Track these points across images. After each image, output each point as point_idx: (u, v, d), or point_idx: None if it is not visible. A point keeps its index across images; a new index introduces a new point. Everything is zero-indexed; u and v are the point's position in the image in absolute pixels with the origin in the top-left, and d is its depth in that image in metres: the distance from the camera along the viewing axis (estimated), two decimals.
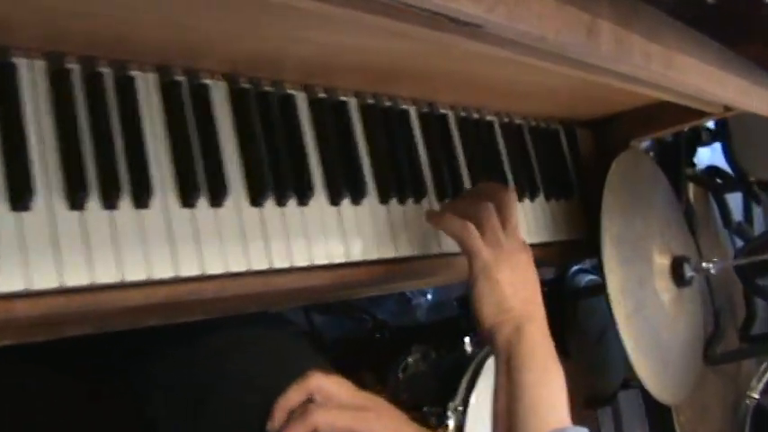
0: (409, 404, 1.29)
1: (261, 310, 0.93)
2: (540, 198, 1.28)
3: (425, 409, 1.24)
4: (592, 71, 0.89)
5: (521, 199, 1.24)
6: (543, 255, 1.28)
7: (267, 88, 0.92)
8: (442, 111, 1.15)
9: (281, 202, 0.89)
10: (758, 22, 1.01)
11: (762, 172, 1.60)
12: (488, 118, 1.23)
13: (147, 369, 0.94)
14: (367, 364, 1.47)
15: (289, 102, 0.94)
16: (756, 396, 1.62)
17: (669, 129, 1.41)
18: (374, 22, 0.65)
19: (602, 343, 1.68)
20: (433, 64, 0.98)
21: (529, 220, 1.25)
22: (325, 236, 0.93)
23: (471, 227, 0.96)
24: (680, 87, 0.97)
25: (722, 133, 1.60)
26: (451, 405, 1.22)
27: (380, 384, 1.38)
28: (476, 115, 1.20)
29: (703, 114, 1.33)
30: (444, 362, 1.35)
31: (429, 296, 1.80)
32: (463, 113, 1.18)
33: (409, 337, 1.54)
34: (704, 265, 1.35)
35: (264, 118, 0.91)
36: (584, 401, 1.61)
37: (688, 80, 0.97)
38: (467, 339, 1.34)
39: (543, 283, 1.84)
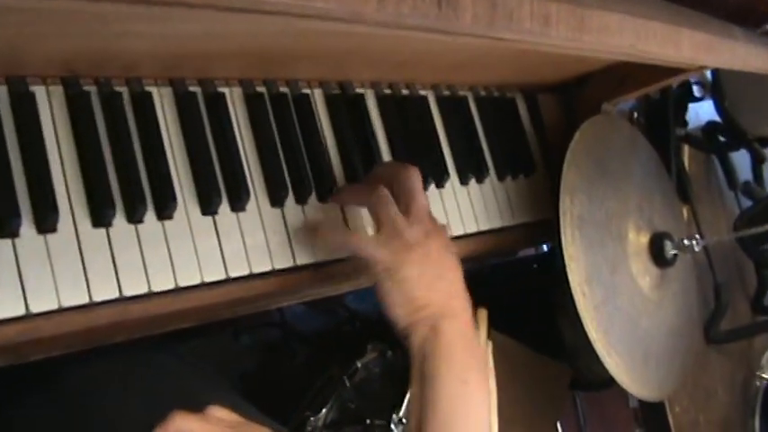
0: (355, 416, 1.17)
1: (115, 341, 0.81)
2: (491, 178, 1.14)
3: (368, 421, 1.11)
4: (489, 40, 0.74)
5: (464, 182, 1.09)
6: (499, 242, 1.15)
7: (118, 88, 0.80)
8: (359, 90, 1.00)
9: (133, 218, 0.77)
10: None
11: (762, 128, 1.41)
12: (421, 92, 1.08)
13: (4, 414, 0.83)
14: (336, 359, 1.35)
15: (145, 99, 0.81)
16: (766, 377, 1.45)
17: (645, 88, 1.24)
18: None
19: None
20: (317, 43, 0.84)
21: (476, 205, 1.10)
22: (197, 252, 0.81)
23: (350, 234, 0.87)
24: (609, 49, 0.82)
25: (715, 88, 1.42)
26: (395, 417, 1.09)
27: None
28: (405, 91, 1.06)
29: (681, 70, 1.17)
30: (400, 362, 1.22)
31: None
32: (387, 91, 1.04)
33: (378, 328, 1.42)
34: (686, 242, 1.19)
35: (113, 120, 0.78)
36: (573, 385, 1.46)
37: (616, 41, 0.81)
38: None
39: (533, 260, 1.70)
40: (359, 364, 1.19)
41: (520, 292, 1.59)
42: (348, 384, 1.17)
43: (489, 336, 1.18)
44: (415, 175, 0.87)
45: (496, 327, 1.27)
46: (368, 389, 1.19)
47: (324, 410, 1.18)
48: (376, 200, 0.85)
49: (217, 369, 1.68)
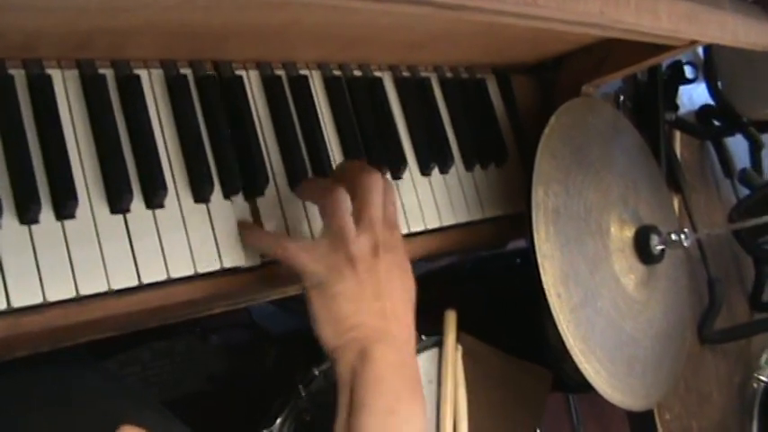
0: (310, 429, 1.07)
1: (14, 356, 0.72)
2: (457, 168, 1.03)
3: None
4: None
5: (425, 172, 0.99)
6: (466, 238, 1.05)
7: (12, 71, 0.70)
8: (303, 71, 0.90)
9: (26, 218, 0.68)
10: None
11: (759, 111, 1.31)
12: (377, 74, 0.97)
13: None
14: (305, 361, 1.26)
15: (44, 83, 0.71)
16: (765, 379, 1.35)
17: (630, 68, 1.13)
18: None
19: None
20: (239, 16, 0.74)
21: (439, 197, 1.00)
22: (104, 255, 0.71)
23: (280, 239, 0.77)
24: (573, 17, 0.71)
25: (707, 68, 1.32)
26: None
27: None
28: (357, 72, 0.95)
29: (668, 48, 1.06)
30: None
31: None
32: (336, 72, 0.93)
33: None
34: (674, 236, 1.08)
35: (2, 107, 0.68)
36: (561, 386, 1.35)
37: (581, 7, 0.71)
38: None
39: (516, 254, 1.61)
40: (316, 372, 1.09)
41: (503, 288, 1.50)
42: (303, 394, 1.07)
43: (458, 340, 1.09)
44: (374, 182, 0.78)
45: (476, 327, 1.17)
46: (325, 399, 1.09)
47: (278, 421, 1.09)
48: (331, 203, 0.76)
49: (184, 369, 1.59)
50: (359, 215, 0.77)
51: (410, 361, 0.78)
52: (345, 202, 0.76)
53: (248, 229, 0.79)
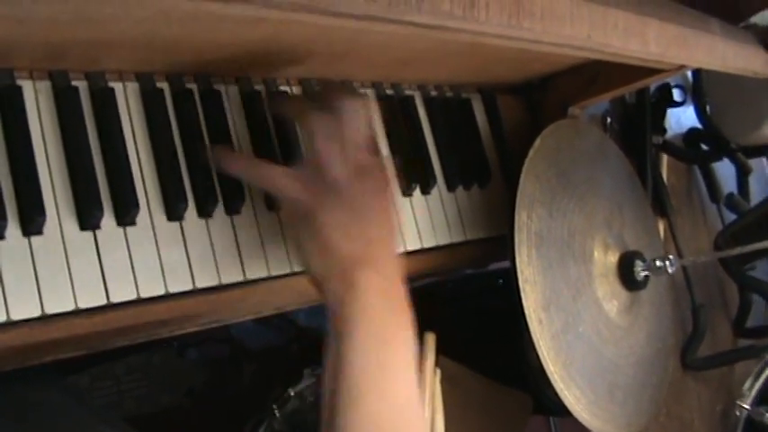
0: None
1: None
2: (439, 189, 1.01)
3: None
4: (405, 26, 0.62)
5: (406, 193, 0.97)
6: (447, 260, 1.03)
7: None
8: (283, 88, 0.88)
9: None
10: None
11: (746, 137, 1.29)
12: (359, 90, 0.96)
13: None
14: (282, 379, 1.24)
15: (14, 94, 0.69)
16: (747, 407, 1.33)
17: (618, 90, 1.12)
18: None
19: None
20: (213, 31, 0.72)
21: (420, 219, 0.98)
22: (71, 272, 0.69)
23: (270, 167, 0.74)
24: (560, 40, 0.70)
25: (696, 91, 1.30)
26: None
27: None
28: None
29: (657, 71, 1.05)
30: None
31: None
32: (317, 88, 0.91)
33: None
34: (658, 263, 1.07)
35: None
36: (542, 410, 1.34)
37: (568, 30, 0.69)
38: None
39: (498, 274, 1.59)
40: (291, 393, 1.07)
41: (484, 308, 1.48)
42: (278, 415, 1.05)
43: (437, 363, 1.07)
44: (357, 106, 0.76)
45: (454, 350, 1.15)
46: (300, 420, 1.07)
47: None
48: (316, 128, 0.73)
49: (159, 384, 1.57)
50: (340, 138, 0.74)
51: (397, 286, 0.73)
52: (329, 127, 0.73)
53: (226, 154, 0.76)
